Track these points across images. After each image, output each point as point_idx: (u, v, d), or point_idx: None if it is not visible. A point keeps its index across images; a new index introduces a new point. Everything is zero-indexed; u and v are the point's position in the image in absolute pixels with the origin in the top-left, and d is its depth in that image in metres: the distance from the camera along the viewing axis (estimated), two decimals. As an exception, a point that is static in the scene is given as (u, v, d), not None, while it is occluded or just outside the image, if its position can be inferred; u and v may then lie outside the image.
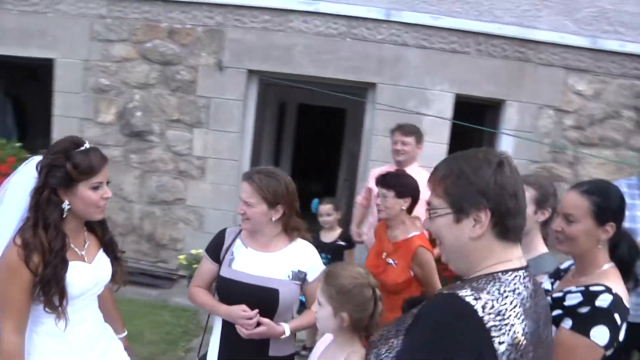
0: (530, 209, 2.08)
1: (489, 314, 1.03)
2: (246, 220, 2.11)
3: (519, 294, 1.09)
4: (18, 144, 6.27)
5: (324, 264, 3.78)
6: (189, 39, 5.41)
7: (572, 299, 1.54)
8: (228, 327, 2.07)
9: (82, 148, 1.76)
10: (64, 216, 1.76)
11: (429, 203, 1.22)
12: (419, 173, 3.29)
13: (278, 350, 2.11)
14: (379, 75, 5.26)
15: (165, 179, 5.73)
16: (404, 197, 2.72)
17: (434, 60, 5.23)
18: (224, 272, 2.14)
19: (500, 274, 1.12)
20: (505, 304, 1.06)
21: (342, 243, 3.86)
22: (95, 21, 5.65)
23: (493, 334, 1.02)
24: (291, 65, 5.22)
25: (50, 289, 1.69)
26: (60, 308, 1.72)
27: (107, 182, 1.84)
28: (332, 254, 3.84)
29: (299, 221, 2.22)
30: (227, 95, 5.41)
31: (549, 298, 1.59)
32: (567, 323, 1.52)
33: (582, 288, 1.54)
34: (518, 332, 1.04)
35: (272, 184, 2.07)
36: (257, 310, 1.99)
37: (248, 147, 5.60)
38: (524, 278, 1.13)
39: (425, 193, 1.51)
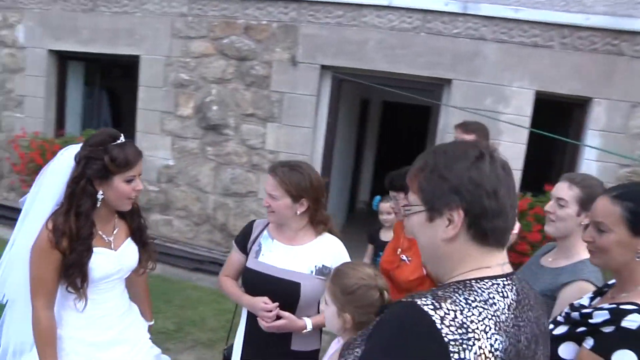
0: (572, 209, 1.96)
1: (449, 326, 0.91)
2: (271, 213, 2.13)
3: (492, 304, 0.96)
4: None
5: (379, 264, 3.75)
6: (264, 35, 5.53)
7: (598, 317, 1.38)
8: (252, 319, 2.12)
9: (119, 142, 1.87)
10: (98, 206, 1.89)
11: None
12: None
13: (301, 344, 2.13)
14: (454, 71, 5.12)
15: (239, 171, 5.91)
16: None
17: (513, 55, 5.01)
18: (250, 264, 2.18)
19: (473, 281, 1.00)
20: (471, 315, 0.93)
21: None
22: (177, 19, 5.92)
23: (452, 348, 0.89)
24: (364, 61, 5.20)
25: (73, 272, 1.84)
26: (81, 290, 1.87)
27: (139, 175, 1.94)
28: None
29: (326, 215, 2.22)
30: (300, 90, 5.48)
31: (575, 314, 1.46)
32: (589, 342, 1.38)
33: (614, 305, 1.38)
34: (484, 348, 0.90)
35: (296, 177, 2.07)
36: (277, 304, 2.02)
37: (320, 143, 5.64)
38: (503, 287, 1.01)
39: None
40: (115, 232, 2.04)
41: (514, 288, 1.03)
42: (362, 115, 8.58)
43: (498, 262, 1.05)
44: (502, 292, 1.00)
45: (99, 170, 1.84)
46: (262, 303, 2.02)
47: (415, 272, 2.63)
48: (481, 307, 0.95)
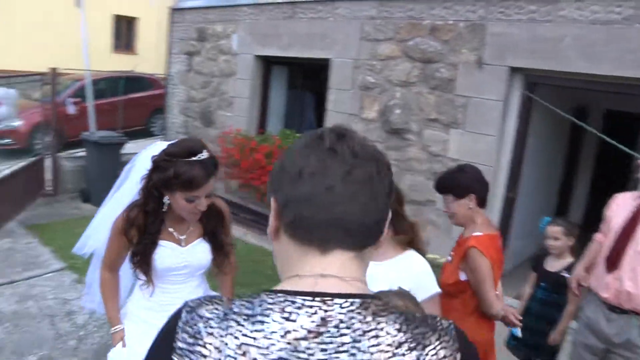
0: None
1: (185, 332, 0.78)
2: None
3: (256, 322, 0.75)
4: (298, 135, 7.15)
5: (542, 295, 3.29)
6: (450, 35, 5.28)
7: None
8: None
9: (193, 158, 1.91)
10: (165, 208, 2.03)
11: None
12: None
13: None
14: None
15: (419, 179, 5.76)
16: (464, 196, 2.49)
17: None
18: None
19: (264, 293, 0.80)
20: (215, 327, 0.76)
21: (567, 275, 3.25)
22: (366, 22, 6.01)
23: (174, 357, 0.77)
24: (560, 61, 4.60)
25: (137, 261, 2.08)
26: (147, 277, 2.09)
27: (208, 196, 1.99)
28: (553, 285, 3.29)
29: (409, 224, 2.04)
30: (487, 94, 5.11)
31: None
32: None
33: None
34: None
35: None
36: None
37: (507, 154, 5.18)
38: (295, 307, 0.76)
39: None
40: (188, 231, 2.16)
41: (319, 316, 0.76)
42: (576, 126, 7.60)
43: (314, 270, 0.81)
44: (288, 312, 0.76)
45: (162, 180, 1.95)
46: None
47: (452, 277, 2.47)
48: (236, 320, 0.76)
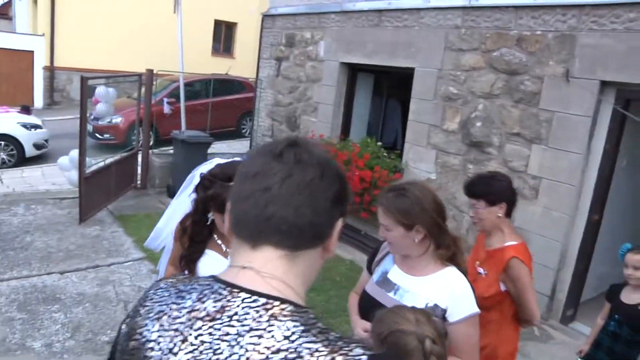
0: None
1: (143, 296, 0.97)
2: (390, 244, 2.02)
3: (182, 298, 0.89)
4: (379, 144, 7.16)
5: (614, 329, 3.08)
6: (537, 46, 5.09)
7: None
8: None
9: (232, 183, 2.00)
10: (208, 222, 2.17)
11: None
12: None
13: None
14: None
15: (497, 194, 5.57)
16: (496, 204, 2.52)
17: None
18: (368, 286, 2.13)
19: (202, 279, 0.93)
20: (156, 295, 0.94)
21: None
22: (450, 32, 5.93)
23: (143, 302, 0.95)
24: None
25: (182, 265, 2.24)
26: None
27: None
28: (630, 319, 3.05)
29: (452, 239, 1.97)
30: (573, 109, 4.86)
31: None
32: None
33: None
34: (137, 330, 0.90)
35: (402, 204, 1.88)
36: None
37: (593, 173, 4.89)
38: (212, 293, 0.86)
39: None
40: None
41: (221, 304, 0.84)
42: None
43: (240, 262, 0.89)
44: (203, 295, 0.87)
45: (202, 198, 2.13)
46: (362, 329, 1.94)
47: (491, 289, 2.43)
48: (171, 293, 0.92)
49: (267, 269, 0.87)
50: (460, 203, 5.95)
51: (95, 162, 6.93)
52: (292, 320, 0.80)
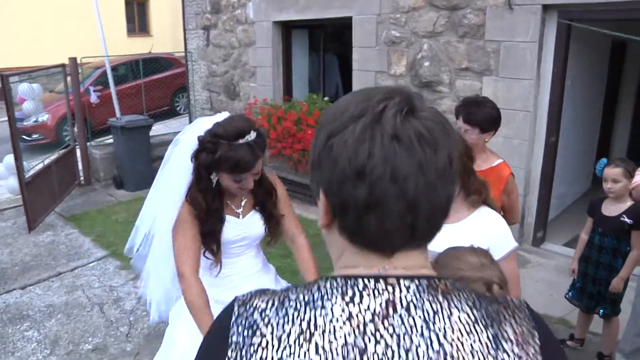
0: None
1: (239, 324, 0.73)
2: None
3: (316, 308, 0.70)
4: (326, 99, 7.04)
5: (600, 242, 3.17)
6: (476, -23, 5.04)
7: None
8: None
9: (241, 141, 1.87)
10: (214, 185, 2.01)
11: None
12: None
13: None
14: None
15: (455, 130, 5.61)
16: (489, 131, 2.69)
17: None
18: None
19: (321, 281, 0.74)
20: (272, 315, 0.72)
21: (627, 220, 3.10)
22: (384, -27, 5.79)
23: (230, 353, 0.71)
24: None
25: (207, 241, 2.06)
26: (217, 256, 2.08)
27: (256, 174, 1.98)
28: (613, 230, 3.15)
29: (480, 182, 1.91)
30: (519, 37, 4.90)
31: None
32: None
33: None
34: (267, 358, 0.68)
35: None
36: None
37: (545, 97, 4.98)
38: (360, 288, 0.71)
39: None
40: (243, 203, 2.18)
41: (385, 298, 0.70)
42: (615, 61, 7.26)
43: (376, 265, 0.75)
44: (350, 296, 0.71)
45: (208, 162, 1.94)
46: None
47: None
48: (295, 308, 0.72)
49: (409, 264, 0.76)
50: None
51: (33, 166, 6.47)
52: (460, 292, 0.74)
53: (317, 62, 8.34)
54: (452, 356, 0.67)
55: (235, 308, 0.76)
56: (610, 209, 3.21)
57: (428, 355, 0.67)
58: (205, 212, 2.02)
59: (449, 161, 0.73)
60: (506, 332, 0.72)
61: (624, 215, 3.12)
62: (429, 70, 5.65)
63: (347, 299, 0.70)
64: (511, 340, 0.71)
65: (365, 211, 0.70)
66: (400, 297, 0.70)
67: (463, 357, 0.68)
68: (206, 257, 2.11)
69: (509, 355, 0.70)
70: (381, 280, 0.72)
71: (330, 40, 8.41)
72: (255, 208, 2.22)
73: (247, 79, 8.01)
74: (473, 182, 1.87)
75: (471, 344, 0.69)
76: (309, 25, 7.49)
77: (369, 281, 0.72)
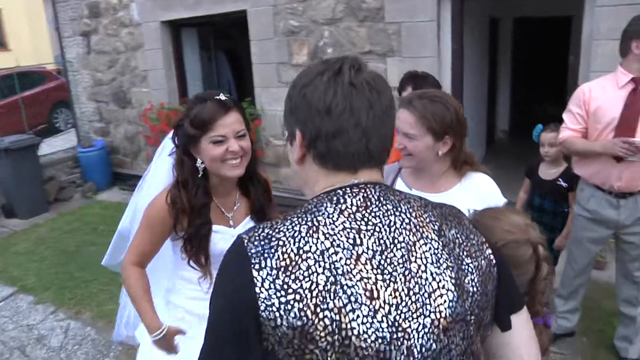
0: None
1: (253, 241, 0.90)
2: (407, 157, 1.82)
3: (314, 212, 0.92)
4: (228, 96, 6.85)
5: (539, 203, 3.37)
6: (370, -38, 5.14)
7: None
8: None
9: (203, 102, 1.74)
10: (200, 174, 1.81)
11: None
12: None
13: None
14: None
15: (363, 115, 5.70)
16: None
17: None
18: None
19: (306, 203, 0.96)
20: (280, 226, 0.91)
21: (563, 183, 3.32)
22: (278, -37, 5.73)
23: (253, 260, 0.87)
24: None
25: (192, 248, 1.81)
26: (204, 267, 1.84)
27: (240, 135, 1.77)
28: (551, 193, 3.37)
29: (469, 153, 1.91)
30: (418, 17, 5.07)
31: None
32: None
33: None
34: (290, 251, 0.87)
35: (439, 110, 1.74)
36: None
37: (447, 72, 5.22)
38: (341, 195, 0.94)
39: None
40: (236, 208, 1.94)
41: (359, 194, 0.94)
42: (492, 36, 7.83)
43: (345, 182, 0.98)
44: (335, 199, 0.93)
45: (184, 137, 1.77)
46: None
47: None
48: (297, 217, 0.92)
49: (371, 179, 0.99)
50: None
51: None
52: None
53: (208, 61, 8.10)
54: (417, 225, 0.94)
55: (243, 235, 0.92)
56: (547, 173, 3.41)
57: (403, 226, 0.93)
58: (189, 210, 1.78)
59: (390, 103, 0.99)
60: (451, 213, 1.03)
61: (560, 179, 3.32)
62: (332, 57, 5.67)
63: (334, 202, 0.93)
64: (455, 227, 1.00)
65: (333, 138, 0.94)
66: (372, 194, 0.95)
67: (425, 225, 0.95)
68: (192, 267, 1.85)
69: (455, 228, 0.99)
70: (354, 187, 0.95)
71: (219, 38, 8.21)
72: (251, 216, 1.97)
73: (139, 84, 7.58)
74: (463, 153, 1.86)
75: (428, 217, 0.97)
76: (198, 23, 7.23)
77: (345, 189, 0.94)
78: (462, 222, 1.02)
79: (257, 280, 0.85)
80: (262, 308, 0.83)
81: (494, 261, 1.01)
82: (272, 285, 0.84)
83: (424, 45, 5.12)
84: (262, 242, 0.88)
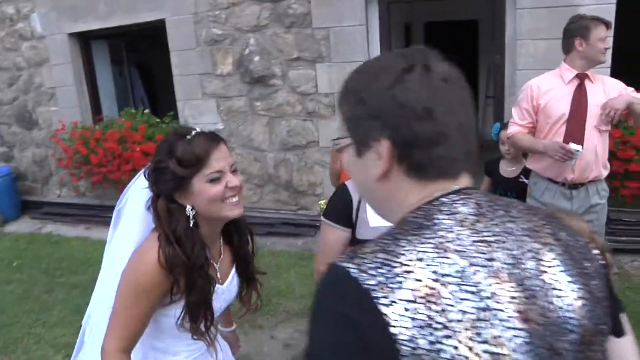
0: None
1: (366, 270, 0.72)
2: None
3: (429, 227, 0.78)
4: (147, 111, 6.51)
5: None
6: (294, -32, 5.09)
7: None
8: None
9: (187, 137, 1.48)
10: (191, 224, 1.50)
11: None
12: None
13: None
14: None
15: (295, 122, 5.62)
16: None
17: None
18: (364, 234, 1.82)
19: (408, 215, 0.82)
20: (396, 248, 0.74)
21: (525, 180, 3.38)
22: (197, -30, 5.52)
23: (375, 294, 0.69)
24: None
25: (198, 316, 1.52)
26: (207, 334, 1.56)
27: (234, 170, 1.53)
28: (513, 190, 3.42)
29: None
30: (347, 22, 5.08)
31: None
32: None
33: None
34: (423, 280, 0.70)
35: None
36: None
37: (377, 75, 5.24)
38: (450, 204, 0.81)
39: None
40: (221, 258, 1.68)
41: (470, 202, 0.82)
42: (406, 40, 8.08)
43: (449, 190, 0.86)
44: (446, 210, 0.80)
45: (170, 181, 1.47)
46: None
47: None
48: (412, 235, 0.76)
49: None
50: (258, 143, 5.85)
51: None
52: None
53: (120, 75, 7.66)
54: (533, 230, 0.82)
55: (345, 264, 0.74)
56: (508, 170, 3.46)
57: (521, 232, 0.81)
58: (190, 270, 1.47)
59: (471, 95, 0.88)
60: (556, 224, 0.89)
61: (521, 176, 3.39)
62: (260, 65, 5.54)
63: (446, 212, 0.79)
64: (563, 229, 0.88)
65: (436, 143, 0.81)
66: (480, 200, 0.83)
67: (540, 229, 0.83)
68: (194, 339, 1.57)
69: (563, 230, 0.87)
70: (460, 193, 0.82)
71: (130, 51, 7.80)
72: (236, 268, 1.73)
73: (46, 103, 6.99)
74: None
75: (538, 220, 0.85)
76: (108, 35, 6.82)
77: (451, 196, 0.82)
78: (564, 223, 0.91)
79: (390, 319, 0.68)
80: (403, 352, 0.67)
81: (603, 261, 0.92)
82: (412, 324, 0.67)
83: (354, 50, 5.13)
84: (382, 270, 0.71)
